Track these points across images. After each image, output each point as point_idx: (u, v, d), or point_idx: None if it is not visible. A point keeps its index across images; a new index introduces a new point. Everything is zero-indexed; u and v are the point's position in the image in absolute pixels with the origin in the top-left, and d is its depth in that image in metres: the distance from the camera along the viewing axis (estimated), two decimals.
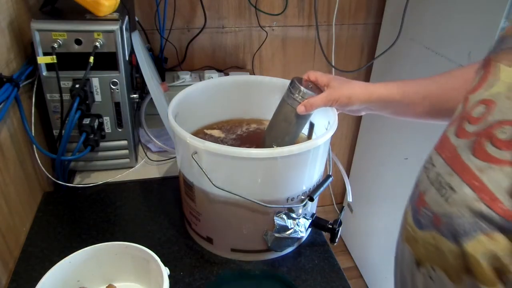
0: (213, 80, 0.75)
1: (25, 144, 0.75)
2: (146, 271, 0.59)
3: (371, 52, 1.48)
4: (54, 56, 0.71)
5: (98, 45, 0.73)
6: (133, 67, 0.88)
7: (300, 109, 0.65)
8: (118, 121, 0.82)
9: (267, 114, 0.77)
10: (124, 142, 0.86)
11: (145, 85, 0.86)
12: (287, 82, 0.70)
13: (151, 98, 0.86)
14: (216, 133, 0.81)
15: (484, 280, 0.32)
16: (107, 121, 0.82)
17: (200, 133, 0.80)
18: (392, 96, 0.61)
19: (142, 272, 0.60)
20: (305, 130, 0.77)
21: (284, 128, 0.70)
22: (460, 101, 0.41)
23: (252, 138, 0.80)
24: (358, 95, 0.62)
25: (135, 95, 0.87)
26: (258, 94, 0.82)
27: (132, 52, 0.86)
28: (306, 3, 1.34)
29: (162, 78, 1.19)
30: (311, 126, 0.76)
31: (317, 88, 0.67)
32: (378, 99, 0.62)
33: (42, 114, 0.81)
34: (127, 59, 0.80)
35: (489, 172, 0.32)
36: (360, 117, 1.60)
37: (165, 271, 0.55)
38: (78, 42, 0.73)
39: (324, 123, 0.71)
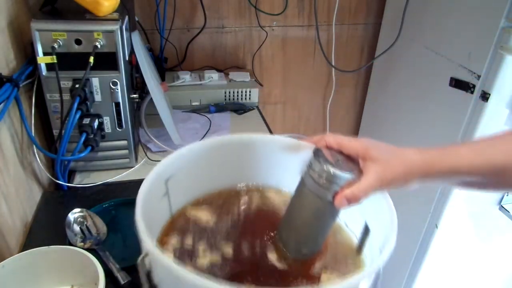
0: (205, 142, 0.57)
1: (25, 144, 0.75)
2: (86, 273, 0.57)
3: (371, 52, 1.48)
4: (54, 56, 0.71)
5: (98, 45, 0.73)
6: (133, 67, 0.88)
7: (342, 203, 0.45)
8: (118, 121, 0.82)
9: (269, 179, 0.62)
10: (124, 142, 0.86)
11: (145, 85, 0.86)
12: (294, 139, 0.55)
13: (151, 98, 0.87)
14: (203, 215, 0.58)
15: None
16: (107, 121, 0.82)
17: (182, 216, 0.58)
18: (458, 168, 0.45)
19: (82, 275, 0.58)
20: (352, 227, 0.55)
21: (314, 227, 0.50)
22: None
23: (256, 226, 0.57)
24: (416, 170, 0.45)
25: (135, 95, 0.87)
26: (258, 154, 0.62)
27: (132, 52, 0.86)
28: (306, 3, 1.34)
29: (162, 78, 1.19)
30: (366, 231, 0.52)
31: (349, 161, 0.47)
32: (440, 172, 0.45)
33: (42, 114, 0.81)
34: (127, 59, 0.80)
35: None
36: (359, 114, 1.60)
37: (101, 272, 0.54)
38: (78, 42, 0.73)
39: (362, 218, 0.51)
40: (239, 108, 1.19)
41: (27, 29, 0.75)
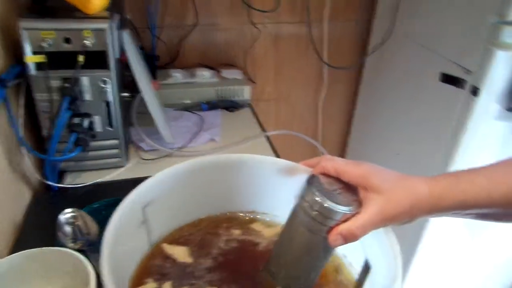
0: (189, 163, 0.51)
1: (13, 145, 0.74)
2: (77, 275, 0.55)
3: (363, 48, 1.48)
4: (43, 55, 0.70)
5: (88, 44, 0.72)
6: (124, 65, 0.87)
7: (336, 241, 0.40)
8: (109, 120, 0.82)
9: (260, 206, 0.57)
10: (115, 141, 0.85)
11: (136, 83, 0.86)
12: (288, 162, 0.51)
13: (143, 97, 0.86)
14: (180, 254, 0.52)
15: None
16: (97, 120, 0.81)
17: (159, 252, 0.52)
18: (473, 201, 0.38)
19: (73, 277, 0.56)
20: (352, 260, 0.51)
21: (305, 263, 0.45)
22: None
23: (239, 264, 0.51)
24: (424, 204, 0.39)
25: (126, 94, 0.86)
26: (247, 177, 0.55)
27: (122, 51, 0.85)
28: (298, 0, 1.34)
29: (154, 76, 1.18)
30: (366, 268, 0.47)
31: (349, 190, 0.42)
32: (451, 206, 0.39)
33: (31, 114, 0.80)
34: (117, 57, 0.79)
35: None
36: (352, 111, 1.60)
37: (92, 273, 0.52)
38: (68, 40, 0.72)
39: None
40: (231, 106, 1.18)
41: (15, 28, 0.74)
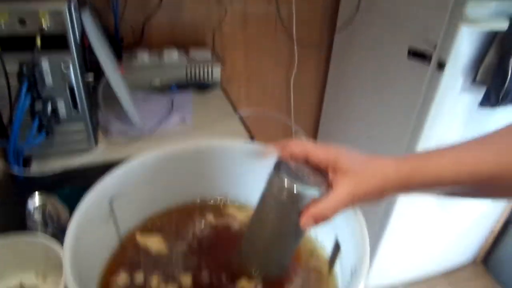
0: (157, 153, 0.50)
1: None
2: (49, 261, 0.55)
3: (332, 25, 1.48)
4: None
5: (45, 27, 0.69)
6: (87, 48, 0.84)
7: (307, 223, 0.40)
8: (73, 105, 0.79)
9: (231, 192, 0.57)
10: (81, 126, 0.83)
11: (101, 66, 0.83)
12: (257, 145, 0.50)
13: (108, 80, 0.83)
14: (154, 243, 0.51)
15: None
16: (61, 105, 0.78)
17: (132, 244, 0.51)
18: (440, 180, 0.39)
19: (46, 262, 0.56)
20: (324, 242, 0.52)
21: (277, 248, 0.45)
22: None
23: (214, 249, 0.52)
24: (393, 183, 0.39)
25: (90, 78, 0.83)
26: (217, 164, 0.55)
27: (83, 33, 0.82)
28: None
29: (119, 58, 1.15)
30: (336, 247, 0.48)
31: (318, 173, 0.42)
32: (420, 185, 0.40)
33: None
34: (78, 40, 0.76)
35: None
36: (323, 87, 1.61)
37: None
38: (22, 22, 0.68)
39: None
40: (202, 86, 1.17)
41: None
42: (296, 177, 0.40)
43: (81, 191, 0.73)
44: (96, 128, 0.91)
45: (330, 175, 0.41)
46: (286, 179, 0.40)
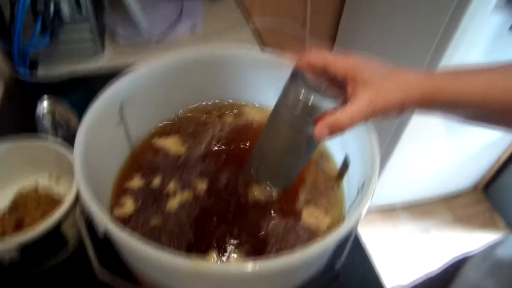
0: (169, 59, 0.47)
1: None
2: (61, 164, 0.55)
3: None
4: None
5: None
6: None
7: (322, 132, 0.37)
8: (77, 6, 0.74)
9: (245, 98, 0.55)
10: (87, 30, 0.78)
11: None
12: (272, 55, 0.47)
13: None
14: (172, 145, 0.50)
15: None
16: (64, 5, 0.73)
17: (148, 147, 0.50)
18: (468, 97, 0.36)
19: (58, 165, 0.57)
20: (336, 156, 0.51)
21: (288, 161, 0.44)
22: None
23: (233, 151, 0.51)
24: (416, 96, 0.36)
25: None
26: (232, 72, 0.53)
27: None
28: None
29: None
30: (345, 164, 0.48)
31: (336, 85, 0.39)
32: (443, 102, 0.37)
33: None
34: None
35: None
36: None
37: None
38: None
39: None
40: None
41: None
42: (312, 87, 0.38)
43: (88, 97, 0.72)
44: (102, 34, 0.87)
45: (349, 86, 0.37)
46: (302, 89, 0.37)
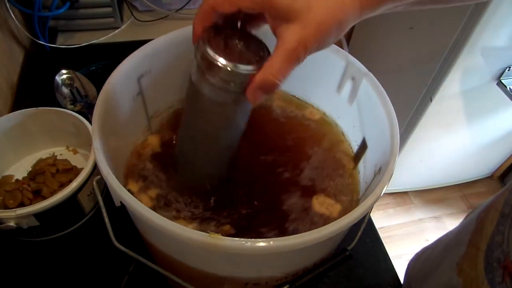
0: (183, 30, 0.45)
1: None
2: (79, 135, 0.56)
3: None
4: None
5: None
6: None
7: (257, 97, 0.31)
8: None
9: None
10: None
11: None
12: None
13: None
14: None
15: None
16: None
17: (165, 122, 0.51)
18: None
19: (75, 137, 0.58)
20: (351, 139, 0.50)
21: (218, 150, 0.41)
22: None
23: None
24: (349, 11, 0.29)
25: None
26: None
27: None
28: None
29: None
30: (363, 145, 0.45)
31: (250, 38, 0.33)
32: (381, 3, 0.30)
33: None
34: None
35: None
36: None
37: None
38: None
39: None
40: None
41: None
42: (226, 52, 0.31)
43: (107, 67, 0.72)
44: (122, 3, 0.86)
45: (270, 23, 0.30)
46: (215, 56, 0.30)
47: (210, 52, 0.30)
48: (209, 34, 0.32)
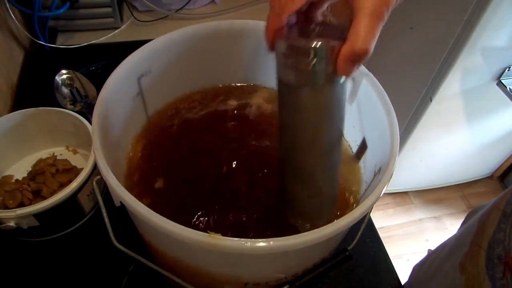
0: (182, 31, 0.46)
1: None
2: (79, 135, 0.57)
3: None
4: None
5: None
6: None
7: (349, 68, 0.30)
8: None
9: (257, 77, 0.53)
10: None
11: None
12: None
13: None
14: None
15: None
16: None
17: (165, 121, 0.51)
18: None
19: (75, 137, 0.58)
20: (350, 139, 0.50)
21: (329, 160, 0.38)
22: None
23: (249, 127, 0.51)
24: None
25: None
26: (245, 48, 0.50)
27: None
28: None
29: None
30: (363, 145, 0.45)
31: (327, 24, 0.33)
32: None
33: None
34: None
35: None
36: None
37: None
38: None
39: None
40: None
41: None
42: (308, 39, 0.30)
43: (106, 67, 0.72)
44: (121, 3, 0.86)
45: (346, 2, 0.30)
46: (302, 42, 0.30)
47: (293, 42, 0.31)
48: (283, 33, 0.32)
